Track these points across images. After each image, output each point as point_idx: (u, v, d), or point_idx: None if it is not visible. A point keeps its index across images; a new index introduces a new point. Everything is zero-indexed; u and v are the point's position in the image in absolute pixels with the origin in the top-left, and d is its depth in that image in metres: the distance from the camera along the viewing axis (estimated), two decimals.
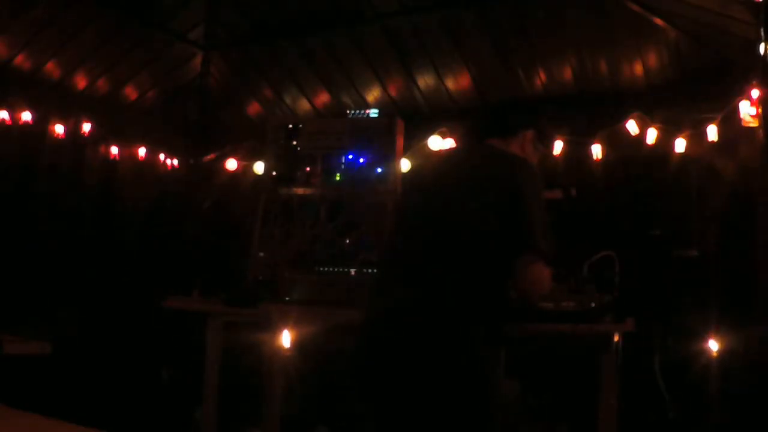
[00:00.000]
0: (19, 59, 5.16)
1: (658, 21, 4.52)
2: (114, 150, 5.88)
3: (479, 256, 2.13)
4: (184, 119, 6.38)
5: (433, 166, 2.44)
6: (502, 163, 2.26)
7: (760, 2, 3.71)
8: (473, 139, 2.42)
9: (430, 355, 2.05)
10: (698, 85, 4.69)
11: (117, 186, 5.91)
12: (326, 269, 4.08)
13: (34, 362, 4.02)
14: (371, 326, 2.21)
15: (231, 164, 6.03)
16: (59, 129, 5.43)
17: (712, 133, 4.50)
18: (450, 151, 2.56)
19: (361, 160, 4.72)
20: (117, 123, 5.86)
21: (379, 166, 4.68)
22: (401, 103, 5.69)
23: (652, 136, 4.74)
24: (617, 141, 4.87)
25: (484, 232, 2.13)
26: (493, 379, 2.17)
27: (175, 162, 6.36)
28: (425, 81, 5.54)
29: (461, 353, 2.09)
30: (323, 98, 5.94)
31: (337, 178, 4.71)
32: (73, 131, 5.54)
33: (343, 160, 4.74)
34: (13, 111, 5.18)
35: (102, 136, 5.77)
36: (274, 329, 3.80)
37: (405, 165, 4.81)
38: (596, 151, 4.89)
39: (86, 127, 5.60)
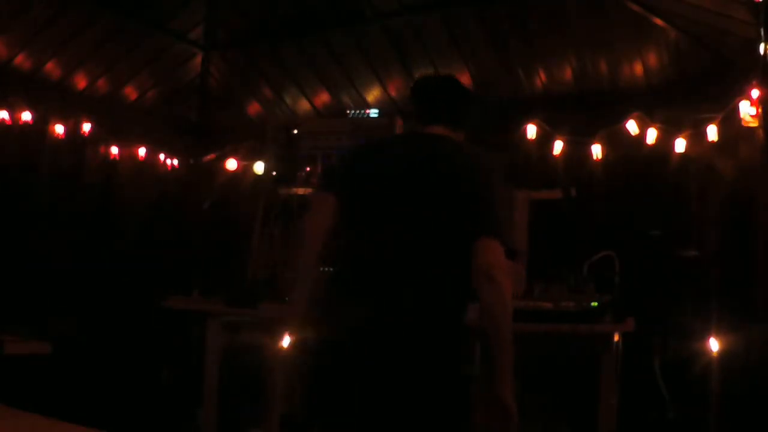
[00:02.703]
0: (19, 59, 5.16)
1: (658, 21, 4.52)
2: (114, 150, 5.87)
3: (457, 251, 2.12)
4: (184, 119, 6.38)
5: (387, 158, 2.35)
6: (467, 158, 2.27)
7: (760, 2, 3.71)
8: (421, 126, 2.38)
9: (428, 354, 2.11)
10: (698, 85, 4.69)
11: (117, 186, 5.91)
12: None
13: (34, 362, 4.03)
14: (353, 336, 2.12)
15: (231, 164, 6.03)
16: (59, 129, 5.43)
17: (712, 133, 4.50)
18: (403, 143, 2.45)
19: None
20: (117, 123, 5.86)
21: None
22: (401, 103, 5.68)
23: (652, 136, 4.74)
24: (617, 141, 4.87)
25: (458, 228, 2.13)
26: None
27: (175, 162, 6.35)
28: None
29: (456, 352, 2.19)
30: (323, 98, 5.94)
31: None
32: (73, 131, 5.54)
33: None
34: (13, 111, 5.18)
35: (102, 136, 5.77)
36: (274, 329, 3.80)
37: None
38: (596, 151, 4.89)
39: (86, 127, 5.60)
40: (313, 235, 2.30)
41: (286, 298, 2.88)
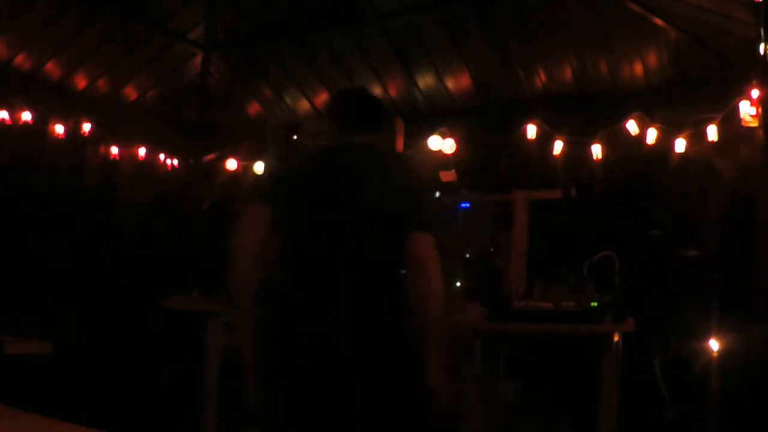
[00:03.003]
0: (19, 59, 5.16)
1: (658, 21, 4.52)
2: (114, 150, 5.87)
3: (389, 245, 2.36)
4: (184, 119, 6.38)
5: (318, 166, 2.56)
6: (392, 161, 2.58)
7: (760, 2, 3.71)
8: (344, 133, 2.60)
9: (373, 338, 2.34)
10: (698, 85, 4.69)
11: (117, 186, 5.91)
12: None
13: (34, 362, 4.02)
14: (302, 329, 2.33)
15: (231, 164, 6.03)
16: (59, 129, 5.43)
17: (712, 133, 4.50)
18: (330, 150, 2.65)
19: None
20: (117, 123, 5.86)
21: None
22: (401, 103, 5.69)
23: (652, 136, 4.74)
24: (617, 141, 4.87)
25: (390, 225, 2.36)
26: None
27: (175, 162, 6.35)
28: (425, 81, 5.54)
29: (395, 334, 2.37)
30: (323, 98, 5.94)
31: None
32: (73, 131, 5.54)
33: None
34: (13, 111, 5.18)
35: (102, 136, 5.77)
36: None
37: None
38: (596, 151, 4.89)
39: (86, 127, 5.60)
40: (249, 249, 2.41)
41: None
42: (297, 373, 2.32)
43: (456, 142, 5.09)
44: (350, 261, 2.34)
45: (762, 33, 3.74)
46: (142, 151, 6.06)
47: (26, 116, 5.22)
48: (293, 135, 4.94)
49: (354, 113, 2.64)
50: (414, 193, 2.46)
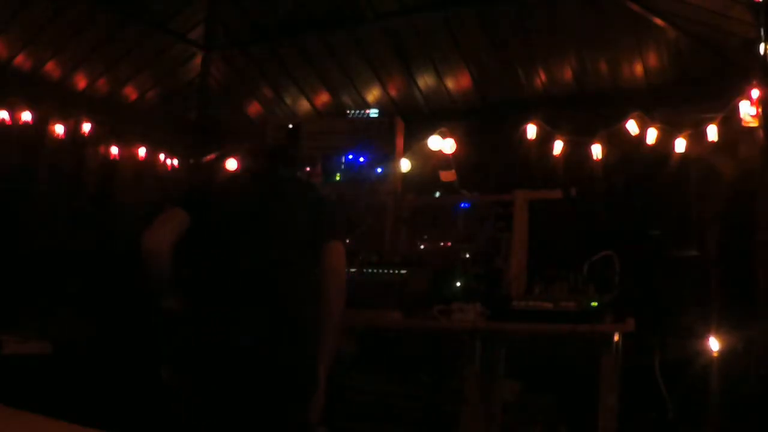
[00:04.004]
0: (19, 59, 5.16)
1: (658, 21, 4.53)
2: (114, 150, 5.87)
3: (308, 255, 2.69)
4: (184, 119, 6.38)
5: (249, 186, 2.94)
6: (307, 189, 2.96)
7: (760, 2, 3.72)
8: (270, 168, 2.99)
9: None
10: (698, 85, 4.69)
11: (117, 186, 5.91)
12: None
13: (34, 362, 4.03)
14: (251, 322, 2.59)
15: (231, 164, 6.02)
16: (59, 129, 5.43)
17: (712, 133, 4.50)
18: (258, 175, 3.06)
19: (361, 160, 4.73)
20: (117, 123, 5.86)
21: (379, 166, 4.69)
22: (401, 103, 5.69)
23: (652, 136, 4.74)
24: (617, 141, 4.86)
25: (307, 236, 2.71)
26: None
27: (175, 162, 6.35)
28: (425, 81, 5.54)
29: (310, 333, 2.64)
30: (323, 98, 5.94)
31: (337, 178, 4.72)
32: (73, 131, 5.54)
33: (343, 160, 4.75)
34: (13, 111, 5.18)
35: (102, 136, 5.77)
36: None
37: (404, 165, 4.81)
38: (596, 151, 4.89)
39: (86, 127, 5.60)
40: (163, 248, 2.83)
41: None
42: (210, 357, 2.66)
43: (456, 142, 5.08)
44: (272, 265, 2.64)
45: (762, 33, 3.75)
46: (142, 151, 6.05)
47: (26, 116, 5.22)
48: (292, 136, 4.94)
49: (282, 153, 3.07)
50: (326, 211, 2.82)
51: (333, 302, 2.63)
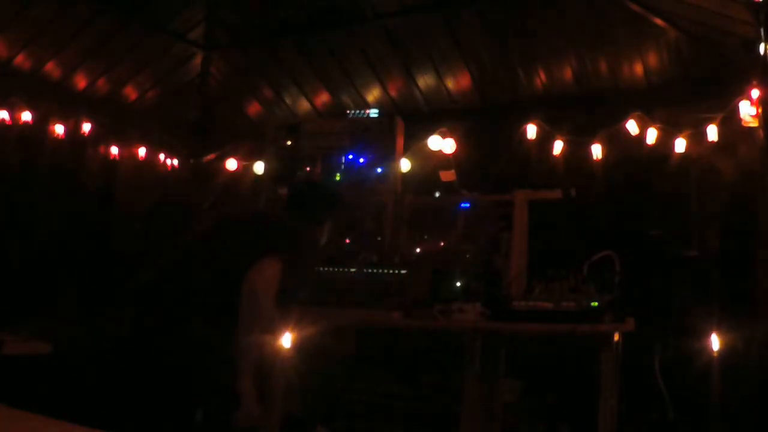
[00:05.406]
0: (19, 59, 5.16)
1: (658, 21, 4.53)
2: (114, 150, 5.88)
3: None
4: (184, 119, 6.38)
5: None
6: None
7: (760, 2, 3.71)
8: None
9: None
10: (698, 85, 4.69)
11: (117, 186, 5.91)
12: (326, 269, 4.08)
13: (34, 362, 4.02)
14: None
15: (231, 164, 6.03)
16: (59, 129, 5.43)
17: (712, 133, 4.50)
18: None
19: (361, 160, 4.73)
20: (117, 123, 5.86)
21: (379, 166, 4.68)
22: (401, 103, 5.69)
23: (652, 136, 4.74)
24: (617, 141, 4.86)
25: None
26: None
27: (175, 162, 6.35)
28: (425, 81, 5.54)
29: None
30: (323, 98, 5.94)
31: (337, 178, 4.72)
32: (73, 131, 5.54)
33: (343, 160, 4.75)
34: (13, 111, 5.18)
35: (102, 136, 5.77)
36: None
37: (404, 165, 4.82)
38: (596, 151, 4.88)
39: (86, 127, 5.60)
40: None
41: None
42: None
43: (456, 142, 5.08)
44: None
45: (762, 33, 3.74)
46: (142, 151, 6.05)
47: (26, 116, 5.22)
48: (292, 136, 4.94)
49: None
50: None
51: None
